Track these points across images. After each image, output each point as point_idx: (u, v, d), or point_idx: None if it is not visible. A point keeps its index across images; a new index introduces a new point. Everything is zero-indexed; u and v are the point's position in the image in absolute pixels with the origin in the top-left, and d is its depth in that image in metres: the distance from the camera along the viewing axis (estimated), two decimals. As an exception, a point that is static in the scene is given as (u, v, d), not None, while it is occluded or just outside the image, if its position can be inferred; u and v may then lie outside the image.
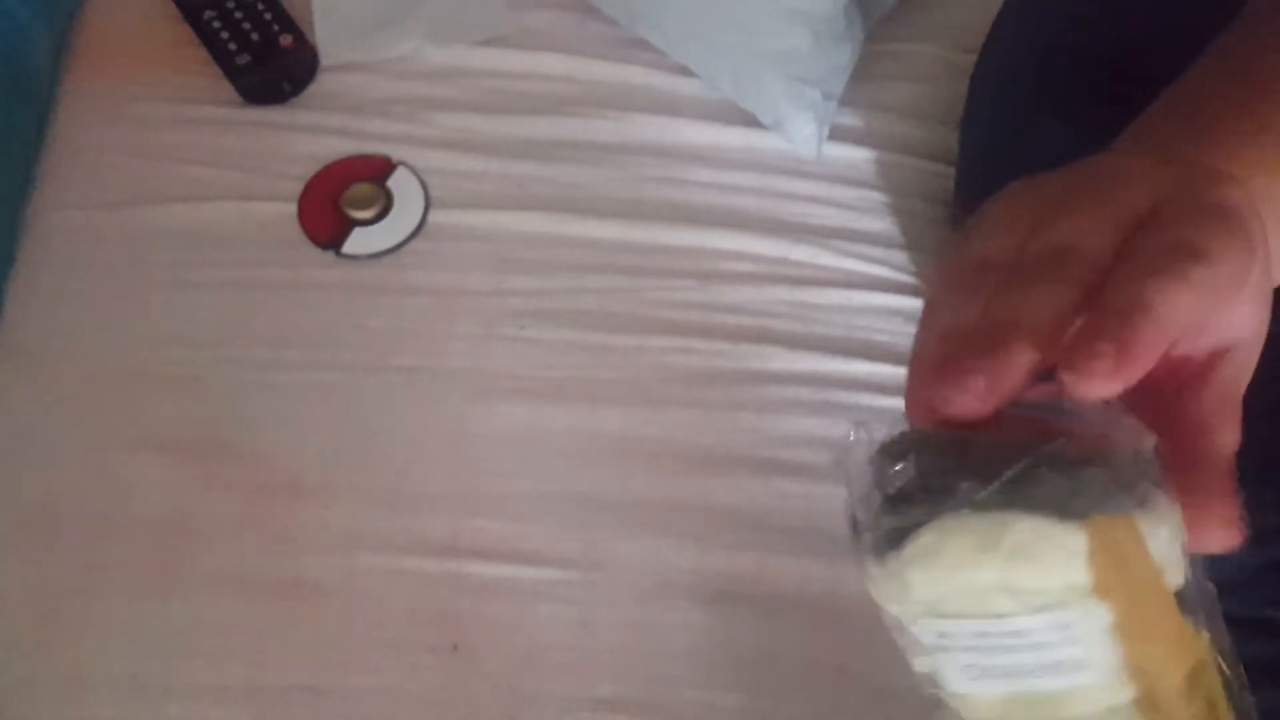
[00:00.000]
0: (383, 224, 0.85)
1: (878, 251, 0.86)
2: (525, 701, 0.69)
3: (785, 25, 0.86)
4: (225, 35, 0.92)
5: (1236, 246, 0.32)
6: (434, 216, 0.86)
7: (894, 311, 0.83)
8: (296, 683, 0.69)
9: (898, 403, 0.89)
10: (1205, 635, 0.33)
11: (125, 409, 0.77)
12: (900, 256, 0.87)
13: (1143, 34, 0.67)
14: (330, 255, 0.84)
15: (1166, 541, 0.32)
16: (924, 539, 0.32)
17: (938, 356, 0.33)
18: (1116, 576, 0.31)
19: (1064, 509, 0.31)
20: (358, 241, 0.85)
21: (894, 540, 0.32)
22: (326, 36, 0.93)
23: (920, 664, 0.34)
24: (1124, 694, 0.32)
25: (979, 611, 0.32)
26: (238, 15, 0.92)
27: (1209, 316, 0.33)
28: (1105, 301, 0.31)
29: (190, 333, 0.81)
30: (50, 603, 0.71)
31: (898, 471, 0.32)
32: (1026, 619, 0.32)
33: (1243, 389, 0.35)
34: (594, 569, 0.73)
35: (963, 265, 0.35)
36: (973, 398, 0.31)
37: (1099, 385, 0.30)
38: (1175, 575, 0.33)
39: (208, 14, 0.93)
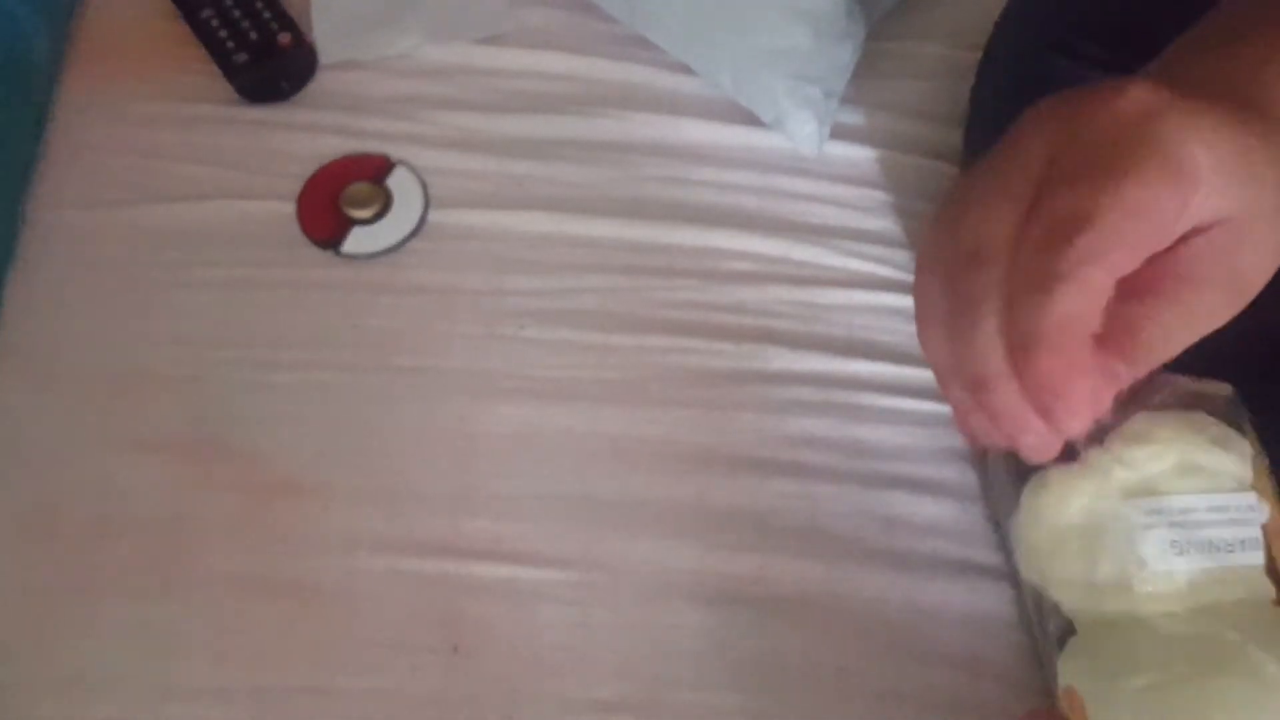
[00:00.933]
0: (382, 223, 0.85)
1: (880, 250, 0.86)
2: (525, 702, 0.69)
3: (786, 23, 0.86)
4: (223, 34, 0.91)
5: (1133, 186, 0.32)
6: (433, 216, 0.86)
7: (896, 311, 0.83)
8: (296, 683, 0.69)
9: (900, 403, 0.89)
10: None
11: (125, 409, 0.77)
12: (903, 255, 0.86)
13: (1146, 35, 0.67)
14: (329, 255, 0.84)
15: None
16: (1134, 424, 0.39)
17: (950, 366, 0.35)
18: (1265, 483, 0.39)
19: (1234, 421, 0.39)
20: (357, 241, 0.84)
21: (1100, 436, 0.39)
22: (325, 35, 0.93)
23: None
24: (1269, 591, 0.38)
25: (1187, 488, 0.38)
26: (236, 14, 0.92)
27: (1137, 250, 0.33)
28: (1007, 331, 0.33)
29: (189, 333, 0.80)
30: (50, 603, 0.71)
31: None
32: (1223, 496, 0.38)
33: (1229, 259, 0.34)
34: (594, 569, 0.73)
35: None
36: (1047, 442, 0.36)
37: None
38: None
39: (205, 12, 0.92)
